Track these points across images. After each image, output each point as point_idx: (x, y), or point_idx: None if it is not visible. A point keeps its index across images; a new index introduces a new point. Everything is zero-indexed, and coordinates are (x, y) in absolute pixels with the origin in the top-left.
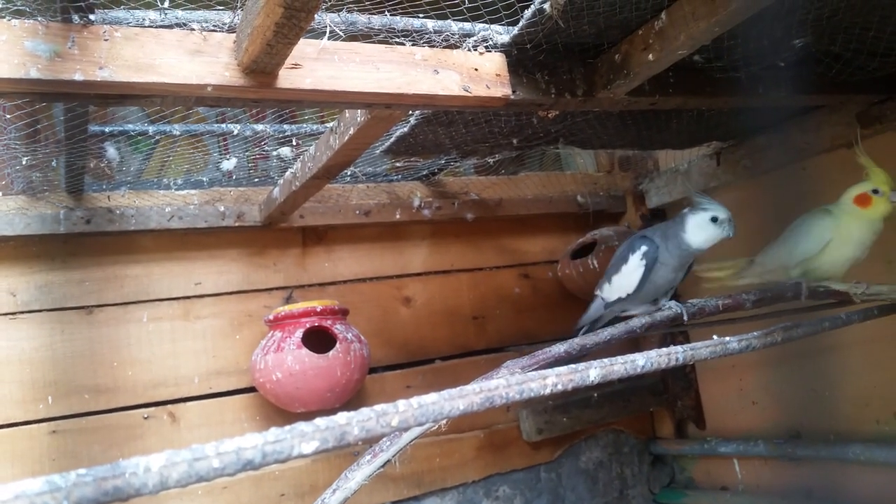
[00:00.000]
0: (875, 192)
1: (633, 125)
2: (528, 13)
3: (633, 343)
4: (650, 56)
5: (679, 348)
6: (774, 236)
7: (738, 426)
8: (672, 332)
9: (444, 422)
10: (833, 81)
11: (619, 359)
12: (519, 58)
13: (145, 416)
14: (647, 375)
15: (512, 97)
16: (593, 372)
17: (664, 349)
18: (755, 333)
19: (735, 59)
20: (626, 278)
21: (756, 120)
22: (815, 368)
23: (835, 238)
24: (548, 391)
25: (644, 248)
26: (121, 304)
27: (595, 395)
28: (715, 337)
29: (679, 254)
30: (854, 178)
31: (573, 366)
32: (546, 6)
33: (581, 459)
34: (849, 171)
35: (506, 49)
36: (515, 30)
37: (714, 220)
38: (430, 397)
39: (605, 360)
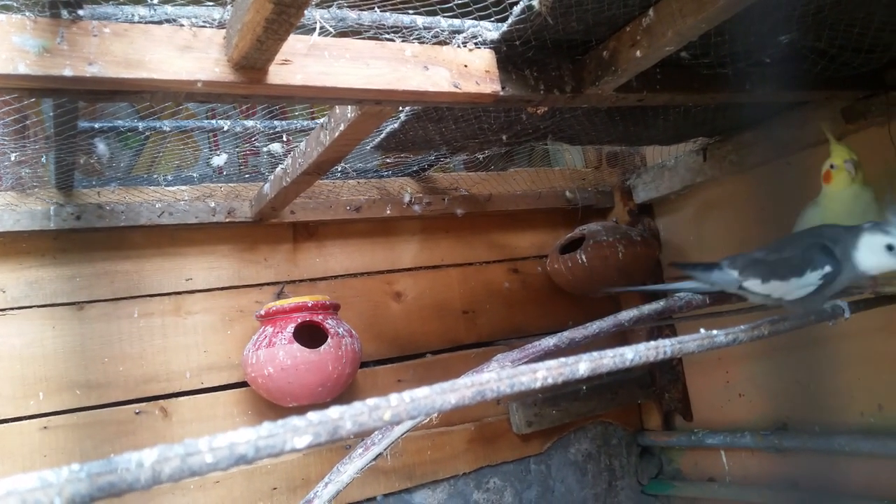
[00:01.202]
0: (832, 166)
1: (620, 121)
2: (517, 10)
3: (621, 336)
4: (638, 52)
5: (667, 341)
6: (761, 231)
7: (725, 418)
8: (659, 326)
9: (436, 415)
10: (818, 78)
11: (609, 352)
12: (508, 54)
13: (137, 411)
14: (634, 368)
15: (501, 93)
16: (583, 365)
17: (652, 342)
18: (742, 327)
19: (722, 56)
20: (790, 288)
21: (742, 116)
22: (801, 361)
23: (824, 222)
24: (538, 384)
25: (828, 270)
26: (111, 299)
27: (584, 387)
28: (702, 330)
29: (851, 277)
30: None
31: (563, 359)
32: (535, 3)
33: (570, 451)
34: None
35: (495, 45)
36: (505, 26)
37: (890, 248)
38: (422, 391)
39: (595, 353)
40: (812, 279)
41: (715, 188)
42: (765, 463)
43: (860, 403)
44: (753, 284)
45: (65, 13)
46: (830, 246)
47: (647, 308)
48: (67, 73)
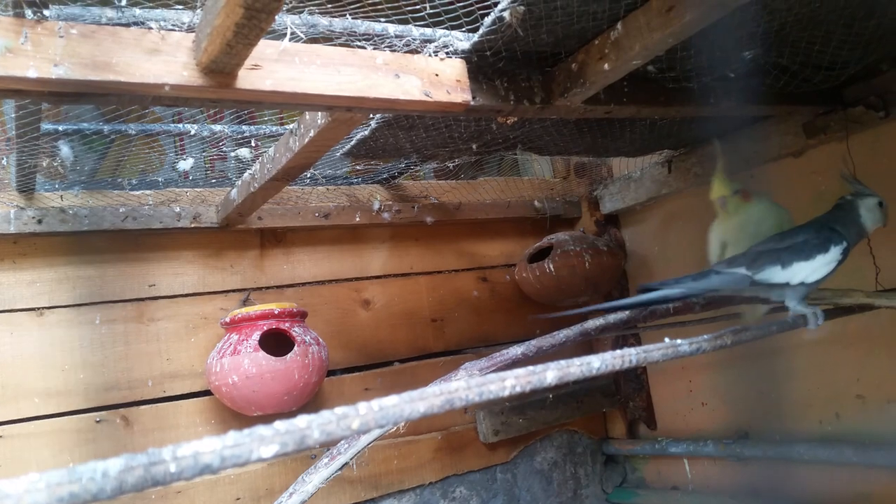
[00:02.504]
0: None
1: (588, 133)
2: (488, 20)
3: (587, 345)
4: (606, 66)
5: (632, 350)
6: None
7: (688, 427)
8: (624, 335)
9: (403, 424)
10: (781, 93)
11: (576, 360)
12: (479, 64)
13: (97, 420)
14: (600, 377)
15: (472, 103)
16: (550, 374)
17: (618, 351)
18: (705, 336)
19: (687, 70)
20: (815, 266)
21: (707, 129)
22: (762, 371)
23: (724, 241)
24: (506, 393)
25: (845, 245)
26: (73, 305)
27: (550, 396)
28: (666, 339)
29: (854, 245)
30: (800, 186)
31: (531, 367)
32: (506, 14)
33: (536, 460)
34: (795, 178)
35: (466, 55)
36: (476, 37)
37: (881, 204)
38: (391, 399)
39: (562, 361)
40: (835, 254)
41: (679, 200)
42: (727, 471)
43: (818, 412)
44: (771, 274)
45: (29, 13)
46: (835, 226)
47: (613, 317)
48: (31, 74)
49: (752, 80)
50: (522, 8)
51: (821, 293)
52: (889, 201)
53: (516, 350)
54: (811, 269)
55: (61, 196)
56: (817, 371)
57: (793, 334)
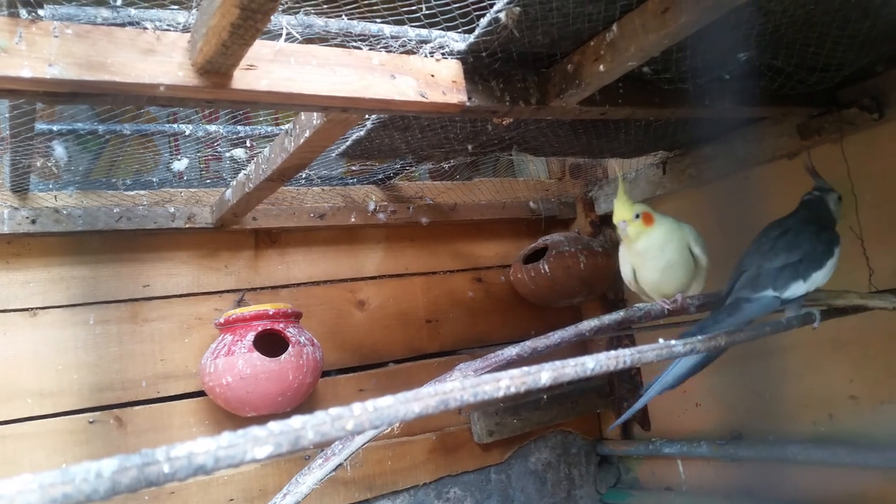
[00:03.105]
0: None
1: (583, 134)
2: (483, 22)
3: (582, 346)
4: (601, 67)
5: (627, 351)
6: (718, 244)
7: (682, 427)
8: (619, 336)
9: (398, 425)
10: (775, 94)
11: (570, 361)
12: (475, 65)
13: (91, 420)
14: (594, 378)
15: (468, 104)
16: (545, 374)
17: (612, 352)
18: (699, 337)
19: (683, 71)
20: (827, 272)
21: (701, 130)
22: (756, 372)
23: (634, 265)
24: (501, 393)
25: (840, 240)
26: (66, 306)
27: (545, 397)
28: (661, 340)
29: None
30: (794, 188)
31: (526, 368)
32: (501, 15)
33: (530, 461)
34: (790, 180)
35: (462, 56)
36: (471, 38)
37: (839, 199)
38: (386, 400)
39: (557, 362)
40: (837, 254)
41: (674, 201)
42: (720, 472)
43: (812, 413)
44: (795, 290)
45: (24, 13)
46: (827, 225)
47: (608, 318)
48: (26, 73)
49: (746, 81)
50: (518, 9)
51: (816, 295)
52: (885, 202)
53: (511, 351)
54: (823, 275)
55: (55, 196)
56: (811, 372)
57: (786, 336)
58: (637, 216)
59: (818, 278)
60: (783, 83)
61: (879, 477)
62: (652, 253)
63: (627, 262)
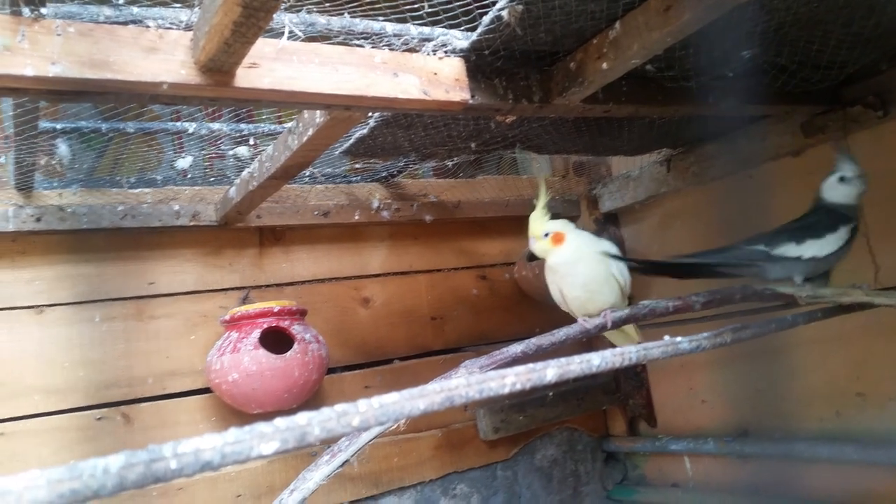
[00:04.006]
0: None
1: (587, 131)
2: (486, 20)
3: (587, 343)
4: (604, 65)
5: (632, 348)
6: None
7: (689, 424)
8: None
9: (404, 421)
10: (779, 92)
11: (576, 358)
12: (477, 63)
13: (98, 417)
14: (600, 375)
15: (470, 102)
16: (550, 371)
17: (618, 349)
18: (705, 334)
19: (686, 69)
20: (825, 243)
21: (705, 128)
22: (762, 368)
23: (556, 284)
24: (506, 390)
25: (853, 224)
26: (72, 303)
27: (550, 393)
28: (666, 337)
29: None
30: (798, 187)
31: (531, 365)
32: (504, 13)
33: (536, 457)
34: (793, 179)
35: (465, 54)
36: (474, 36)
37: (842, 179)
38: (391, 397)
39: (562, 359)
40: (843, 233)
41: (678, 199)
42: (727, 468)
43: (818, 410)
44: (786, 249)
45: (26, 11)
46: (838, 209)
47: (613, 315)
48: (29, 72)
49: (750, 79)
50: (521, 7)
51: (821, 292)
52: (890, 200)
53: (516, 348)
54: (820, 246)
55: (60, 194)
56: (817, 369)
57: (792, 333)
58: (546, 234)
59: (813, 246)
60: (787, 81)
61: (887, 474)
62: (564, 270)
63: (553, 281)
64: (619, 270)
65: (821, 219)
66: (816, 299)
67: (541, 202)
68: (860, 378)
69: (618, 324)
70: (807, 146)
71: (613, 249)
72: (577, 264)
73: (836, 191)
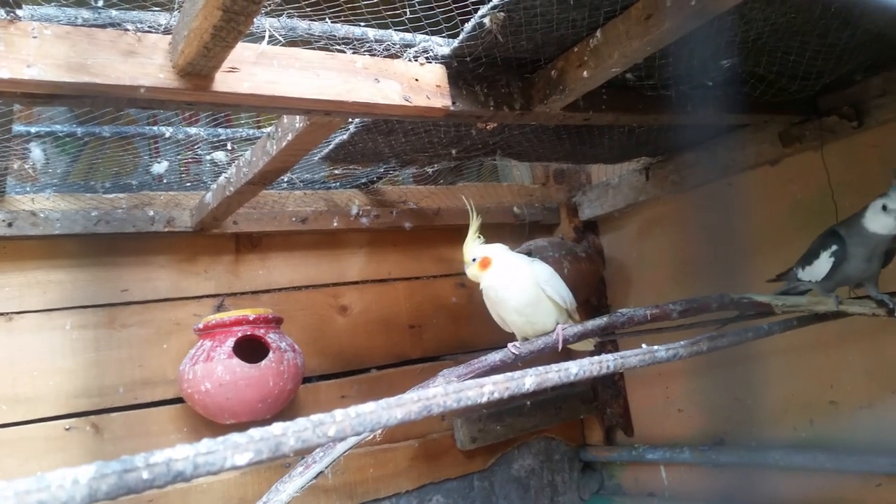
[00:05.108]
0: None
1: (567, 139)
2: (468, 26)
3: (565, 352)
4: (585, 73)
5: (610, 356)
6: (700, 249)
7: (665, 433)
8: (602, 341)
9: (380, 431)
10: (757, 102)
11: (554, 367)
12: (459, 70)
13: (67, 427)
14: (577, 383)
15: (452, 108)
16: (529, 380)
17: (596, 357)
18: (682, 343)
19: (666, 78)
20: (817, 268)
21: (684, 137)
22: (738, 377)
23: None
24: (484, 399)
25: (834, 248)
26: (43, 310)
27: (528, 403)
28: (644, 346)
29: (863, 242)
30: (776, 195)
31: (509, 374)
32: (486, 20)
33: (513, 467)
34: (772, 187)
35: (446, 61)
36: (456, 42)
37: (884, 208)
38: (368, 406)
39: (540, 367)
40: (824, 258)
41: (657, 206)
42: (703, 477)
43: (793, 418)
44: (802, 274)
45: (2, 13)
46: (838, 231)
47: (591, 324)
48: (3, 74)
49: (729, 88)
50: (503, 14)
51: (797, 300)
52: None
53: (495, 356)
54: (813, 273)
55: (32, 199)
56: (793, 377)
57: (768, 341)
58: (474, 260)
59: (809, 272)
60: (765, 91)
61: (859, 481)
62: (494, 295)
63: (489, 305)
64: (556, 291)
65: (815, 241)
66: (791, 308)
67: (472, 227)
68: (833, 386)
69: (571, 341)
70: (784, 155)
71: (545, 273)
72: (507, 289)
73: (876, 219)
